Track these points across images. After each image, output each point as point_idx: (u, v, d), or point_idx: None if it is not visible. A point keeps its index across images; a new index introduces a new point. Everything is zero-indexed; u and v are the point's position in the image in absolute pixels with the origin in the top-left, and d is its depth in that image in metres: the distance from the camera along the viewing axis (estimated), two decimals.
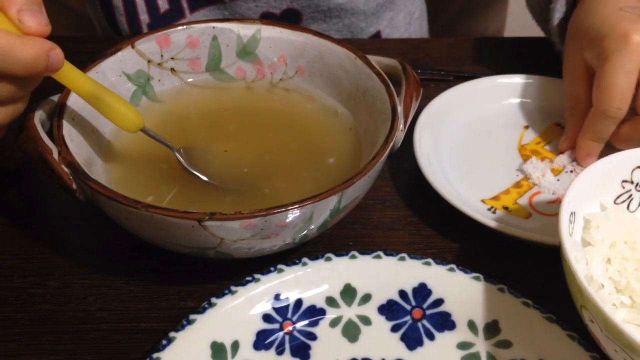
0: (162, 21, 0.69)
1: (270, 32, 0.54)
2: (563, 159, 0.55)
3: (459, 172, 0.54)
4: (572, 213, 0.41)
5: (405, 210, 0.52)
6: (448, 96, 0.58)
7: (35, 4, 0.39)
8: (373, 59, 0.51)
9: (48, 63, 0.39)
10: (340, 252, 0.45)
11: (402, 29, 0.76)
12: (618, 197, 0.44)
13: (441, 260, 0.44)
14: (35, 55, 0.38)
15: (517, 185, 0.53)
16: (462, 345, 0.42)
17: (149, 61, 0.53)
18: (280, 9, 0.68)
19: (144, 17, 0.69)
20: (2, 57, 0.37)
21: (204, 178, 0.47)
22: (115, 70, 0.51)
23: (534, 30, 0.71)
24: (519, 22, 0.90)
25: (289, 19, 0.70)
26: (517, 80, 0.59)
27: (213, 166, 0.48)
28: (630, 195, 0.45)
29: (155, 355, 0.39)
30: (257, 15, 0.69)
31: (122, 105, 0.44)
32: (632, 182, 0.44)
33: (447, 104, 0.58)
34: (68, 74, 0.42)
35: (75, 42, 0.68)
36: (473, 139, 0.57)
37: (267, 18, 0.69)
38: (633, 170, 0.44)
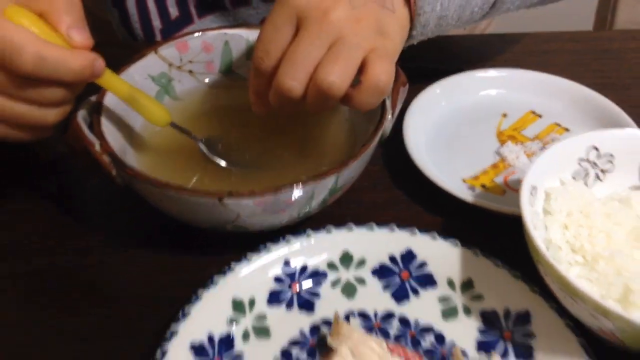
0: (172, 26, 0.77)
1: None
2: (536, 144, 0.63)
3: (444, 155, 0.61)
4: (533, 187, 0.48)
5: (395, 191, 0.60)
6: (434, 89, 0.66)
7: (80, 21, 0.47)
8: None
9: (93, 71, 0.47)
10: (339, 225, 0.53)
11: None
12: (575, 173, 0.52)
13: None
14: (83, 65, 0.46)
15: (494, 166, 0.61)
16: (442, 299, 0.50)
17: (170, 65, 0.60)
18: None
19: (156, 24, 0.77)
20: (56, 67, 0.45)
21: (223, 164, 0.55)
22: (141, 73, 0.58)
23: (516, 27, 0.78)
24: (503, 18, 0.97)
25: None
26: (494, 73, 0.67)
27: (229, 154, 0.56)
28: (587, 172, 0.52)
29: (187, 308, 0.47)
30: (257, 21, 0.76)
31: (153, 104, 0.52)
32: (588, 161, 0.52)
33: (434, 95, 0.66)
34: (108, 79, 0.50)
35: (98, 46, 0.76)
36: (456, 126, 0.64)
37: None
38: (589, 150, 0.51)
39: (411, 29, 0.53)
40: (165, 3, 0.74)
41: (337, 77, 0.46)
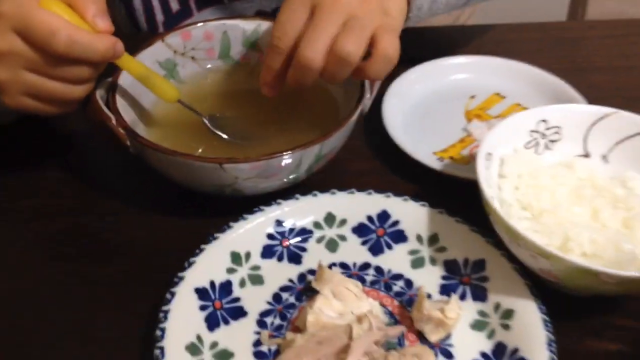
0: (174, 19, 0.84)
1: (268, 26, 0.69)
2: (499, 121, 0.70)
3: (417, 132, 0.69)
4: (489, 154, 0.56)
5: (374, 162, 0.68)
6: (410, 74, 0.74)
7: (103, 10, 0.55)
8: None
9: (115, 52, 0.55)
10: (323, 190, 0.60)
11: None
12: (527, 142, 0.60)
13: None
14: (107, 47, 0.54)
15: (462, 140, 0.69)
16: (412, 252, 0.58)
17: (175, 51, 0.68)
18: (271, 8, 0.83)
19: (159, 17, 0.84)
20: (85, 49, 0.53)
21: (224, 136, 0.63)
22: (150, 59, 0.66)
23: (494, 20, 0.86)
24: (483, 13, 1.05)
25: None
26: (462, 60, 0.75)
27: (229, 128, 0.64)
28: (537, 142, 0.60)
29: (192, 259, 0.54)
30: (252, 13, 0.84)
31: (164, 82, 0.60)
32: (537, 132, 0.60)
33: (409, 80, 0.73)
34: (126, 60, 0.58)
35: None
36: (429, 107, 0.72)
37: (261, 15, 0.85)
38: (538, 122, 0.59)
39: (408, 11, 0.62)
40: None
41: (353, 47, 0.54)
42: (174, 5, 0.83)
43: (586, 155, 0.60)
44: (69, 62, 0.54)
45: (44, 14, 0.52)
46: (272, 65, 0.58)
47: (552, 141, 0.60)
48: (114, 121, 0.57)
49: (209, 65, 0.70)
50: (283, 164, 0.56)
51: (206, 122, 0.63)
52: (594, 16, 1.22)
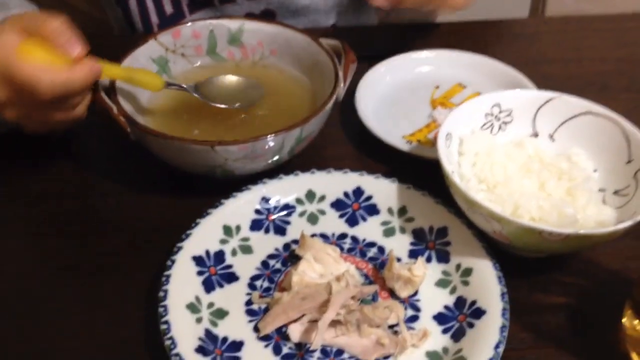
0: (168, 21, 0.91)
1: (251, 25, 0.77)
2: None
3: (388, 119, 0.77)
4: (449, 134, 0.64)
5: (349, 147, 0.75)
6: (380, 67, 0.81)
7: (71, 37, 0.59)
8: (324, 41, 0.74)
9: (94, 75, 0.60)
10: (304, 170, 0.68)
11: (353, 21, 0.98)
12: (483, 124, 0.67)
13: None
14: (85, 76, 0.59)
15: (428, 126, 0.76)
16: (384, 223, 0.65)
17: (166, 49, 0.75)
18: (259, 10, 0.90)
19: (154, 19, 0.91)
20: (67, 86, 0.58)
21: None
22: (144, 56, 0.73)
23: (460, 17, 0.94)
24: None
25: (267, 17, 0.92)
26: (426, 54, 0.83)
27: (215, 94, 0.71)
28: (492, 124, 0.68)
29: (189, 232, 0.61)
30: (241, 15, 0.91)
31: (146, 75, 0.67)
32: (492, 115, 0.67)
33: (380, 72, 0.81)
34: (106, 71, 0.63)
35: (97, 38, 0.91)
36: (398, 96, 0.80)
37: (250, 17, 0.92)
38: (492, 106, 0.67)
39: None
40: (161, 2, 0.89)
41: None
42: (168, 8, 0.90)
43: (535, 135, 0.68)
44: (60, 98, 0.60)
45: (23, 68, 0.57)
46: None
47: (505, 123, 0.68)
48: (115, 110, 0.64)
49: (197, 62, 0.77)
50: (267, 146, 0.63)
51: (194, 94, 0.70)
52: (553, 13, 1.31)
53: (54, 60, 0.59)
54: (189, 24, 0.75)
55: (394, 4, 0.67)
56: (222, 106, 0.70)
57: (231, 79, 0.73)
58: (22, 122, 0.63)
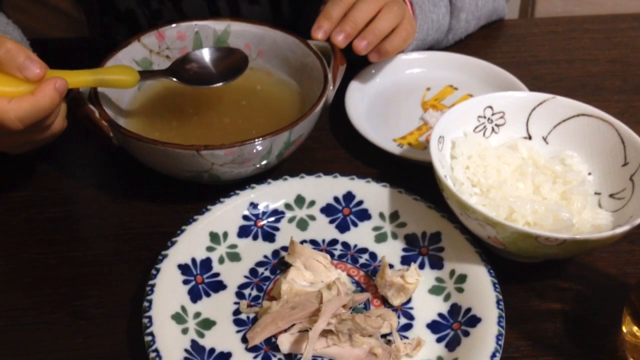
0: None
1: (238, 27, 0.75)
2: None
3: (378, 121, 0.75)
4: (441, 136, 0.62)
5: (339, 150, 0.73)
6: (370, 69, 0.80)
7: (27, 58, 0.54)
8: (312, 42, 0.72)
9: (60, 93, 0.56)
10: (293, 175, 0.66)
11: None
12: (476, 127, 0.66)
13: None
14: (50, 96, 0.55)
15: (419, 128, 0.75)
16: (375, 228, 0.63)
17: (150, 51, 0.73)
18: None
19: None
20: (35, 113, 0.54)
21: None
22: (127, 58, 0.71)
23: None
24: None
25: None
26: (416, 55, 0.81)
27: (195, 76, 0.68)
28: (484, 126, 0.66)
29: (174, 239, 0.59)
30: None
31: (117, 73, 0.62)
32: (484, 117, 0.66)
33: (370, 74, 0.79)
34: (72, 82, 0.59)
35: (73, 42, 0.89)
36: (389, 98, 0.78)
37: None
38: (485, 109, 0.66)
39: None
40: None
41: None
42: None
43: (529, 137, 0.66)
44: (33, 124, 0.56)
45: None
46: (331, 13, 0.69)
47: (498, 125, 0.66)
48: (97, 114, 0.62)
49: None
50: (255, 150, 0.61)
51: (173, 79, 0.67)
52: (542, 15, 1.30)
53: (15, 87, 0.55)
54: (174, 25, 0.73)
55: (382, 57, 0.72)
56: (204, 87, 0.67)
57: (210, 51, 0.70)
58: (6, 149, 0.61)
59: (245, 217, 0.63)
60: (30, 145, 0.61)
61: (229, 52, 0.70)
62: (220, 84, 0.67)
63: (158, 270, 0.57)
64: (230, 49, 0.71)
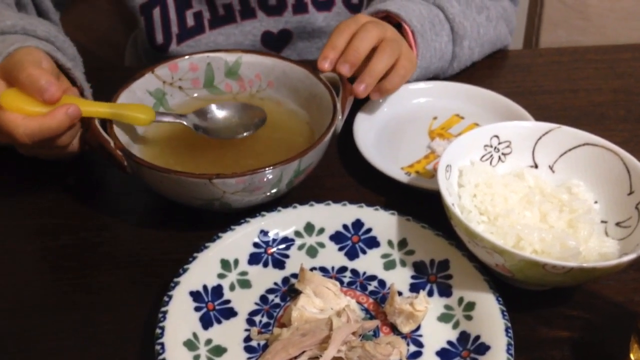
0: (188, 33, 0.92)
1: (249, 58, 0.77)
2: None
3: (386, 150, 0.76)
4: (448, 165, 0.63)
5: (348, 178, 0.75)
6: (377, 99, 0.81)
7: (47, 81, 0.59)
8: (321, 74, 0.74)
9: (71, 119, 0.60)
10: (303, 203, 0.67)
11: None
12: (483, 156, 0.67)
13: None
14: (60, 121, 0.59)
15: (426, 157, 0.76)
16: (384, 256, 0.64)
17: (164, 82, 0.75)
18: (277, 29, 0.90)
19: (174, 29, 0.92)
20: (44, 133, 0.59)
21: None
22: (141, 89, 0.72)
23: None
24: None
25: (284, 37, 0.93)
26: (423, 85, 0.83)
27: (213, 126, 0.71)
28: (491, 155, 0.67)
29: (186, 266, 0.60)
30: (260, 33, 0.92)
31: (134, 110, 0.66)
32: (491, 146, 0.67)
33: (377, 104, 0.81)
34: (88, 111, 0.63)
35: (107, 70, 0.91)
36: (396, 127, 0.80)
37: (267, 36, 0.93)
38: (491, 138, 0.67)
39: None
40: (184, 14, 0.89)
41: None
42: (190, 21, 0.91)
43: (535, 166, 0.68)
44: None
45: (2, 119, 0.58)
46: (336, 43, 0.71)
47: (505, 154, 0.67)
48: (112, 144, 0.63)
49: (195, 94, 0.77)
50: (265, 178, 0.62)
51: (189, 125, 0.70)
52: (546, 45, 1.32)
53: (33, 107, 0.59)
54: (186, 57, 0.75)
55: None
56: (216, 137, 0.70)
57: (228, 105, 0.73)
58: (18, 148, 0.66)
59: (255, 245, 0.64)
60: (51, 156, 0.67)
61: (249, 108, 0.73)
62: (240, 135, 0.71)
63: (170, 297, 0.58)
64: (251, 106, 0.74)
